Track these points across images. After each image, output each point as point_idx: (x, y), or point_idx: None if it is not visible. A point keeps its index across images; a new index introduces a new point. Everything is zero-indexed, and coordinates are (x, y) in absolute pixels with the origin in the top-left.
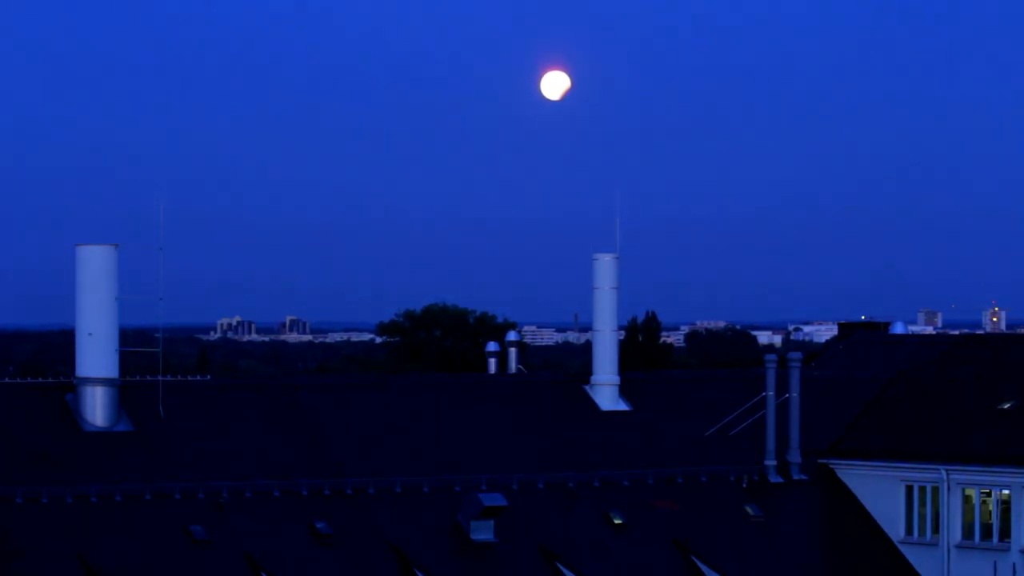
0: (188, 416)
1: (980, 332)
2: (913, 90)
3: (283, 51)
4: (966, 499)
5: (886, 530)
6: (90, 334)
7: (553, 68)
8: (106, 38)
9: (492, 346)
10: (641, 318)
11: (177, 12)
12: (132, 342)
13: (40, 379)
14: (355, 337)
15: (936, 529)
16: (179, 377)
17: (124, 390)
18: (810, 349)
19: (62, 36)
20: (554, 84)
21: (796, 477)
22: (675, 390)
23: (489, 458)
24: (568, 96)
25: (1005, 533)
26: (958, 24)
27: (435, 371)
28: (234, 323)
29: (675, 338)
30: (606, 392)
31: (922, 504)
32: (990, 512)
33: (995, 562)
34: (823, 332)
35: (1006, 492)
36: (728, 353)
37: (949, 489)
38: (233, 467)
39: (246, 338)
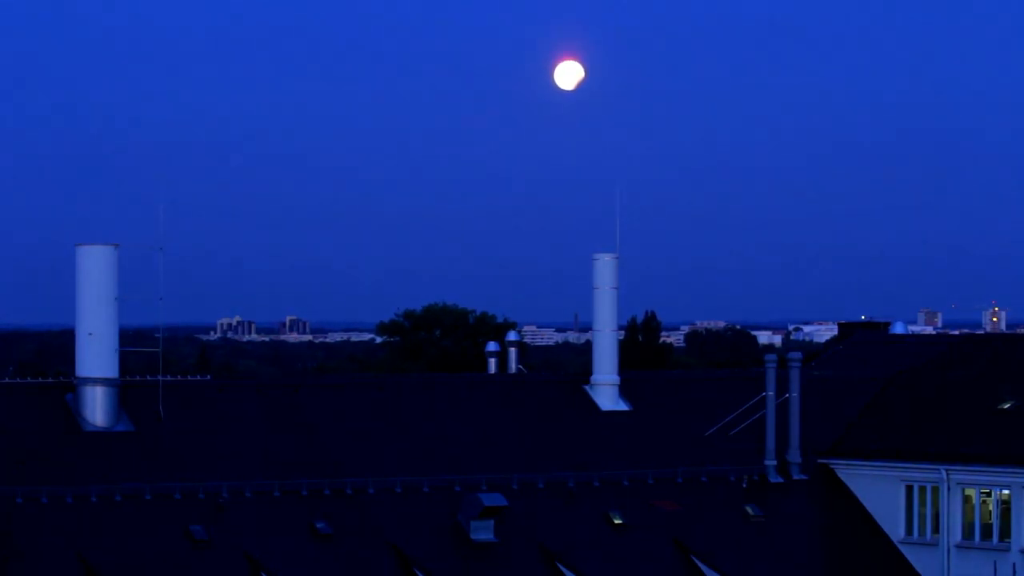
0: (188, 416)
1: (980, 332)
2: (916, 88)
3: (285, 44)
4: (966, 499)
5: (886, 530)
6: (90, 334)
7: (567, 58)
8: (106, 37)
9: (492, 346)
10: (641, 318)
11: (178, 10)
12: (132, 342)
13: (40, 379)
14: (355, 337)
15: (936, 529)
16: (179, 377)
17: (124, 390)
18: (810, 349)
19: (62, 35)
20: (568, 74)
21: (796, 477)
22: (675, 390)
23: (489, 458)
24: (582, 86)
25: (1005, 533)
26: (961, 30)
27: (435, 371)
28: (234, 323)
29: (675, 338)
30: (606, 392)
31: (922, 504)
32: (990, 512)
33: (995, 562)
34: (823, 332)
35: (1006, 492)
36: (728, 353)
37: (949, 489)
38: (233, 467)
39: (246, 338)
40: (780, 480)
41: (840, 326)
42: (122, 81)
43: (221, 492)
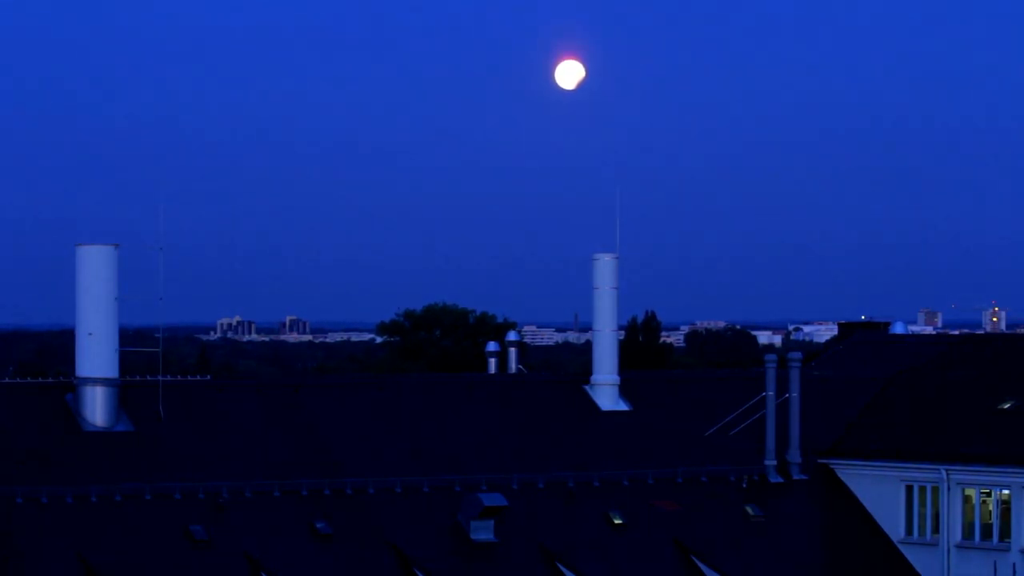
0: (188, 416)
1: (980, 332)
2: (915, 89)
3: (286, 43)
4: (966, 499)
5: (886, 530)
6: (90, 334)
7: (567, 58)
8: (107, 38)
9: (492, 346)
10: (641, 318)
11: (179, 10)
12: (132, 342)
13: (40, 379)
14: (355, 337)
15: (936, 529)
16: (179, 377)
17: (124, 390)
18: (810, 349)
19: (62, 35)
20: (568, 73)
21: (796, 477)
22: (675, 390)
23: (489, 458)
24: (582, 86)
25: (1005, 533)
26: (961, 30)
27: (435, 371)
28: (234, 323)
29: (675, 338)
30: (606, 392)
31: (922, 504)
32: (990, 512)
33: (995, 562)
34: (823, 332)
35: (1006, 492)
36: (728, 353)
37: (949, 489)
38: (233, 467)
39: (246, 338)
40: (780, 480)
41: (840, 326)
42: (122, 81)
43: (221, 492)
